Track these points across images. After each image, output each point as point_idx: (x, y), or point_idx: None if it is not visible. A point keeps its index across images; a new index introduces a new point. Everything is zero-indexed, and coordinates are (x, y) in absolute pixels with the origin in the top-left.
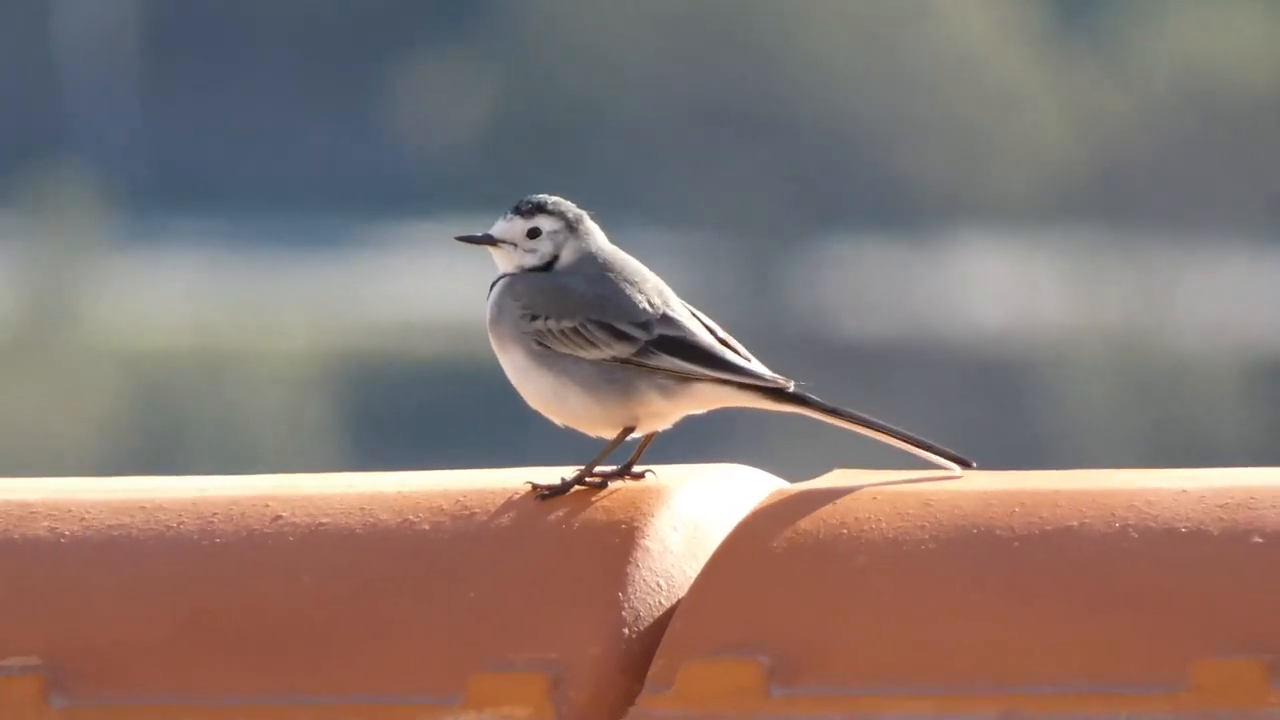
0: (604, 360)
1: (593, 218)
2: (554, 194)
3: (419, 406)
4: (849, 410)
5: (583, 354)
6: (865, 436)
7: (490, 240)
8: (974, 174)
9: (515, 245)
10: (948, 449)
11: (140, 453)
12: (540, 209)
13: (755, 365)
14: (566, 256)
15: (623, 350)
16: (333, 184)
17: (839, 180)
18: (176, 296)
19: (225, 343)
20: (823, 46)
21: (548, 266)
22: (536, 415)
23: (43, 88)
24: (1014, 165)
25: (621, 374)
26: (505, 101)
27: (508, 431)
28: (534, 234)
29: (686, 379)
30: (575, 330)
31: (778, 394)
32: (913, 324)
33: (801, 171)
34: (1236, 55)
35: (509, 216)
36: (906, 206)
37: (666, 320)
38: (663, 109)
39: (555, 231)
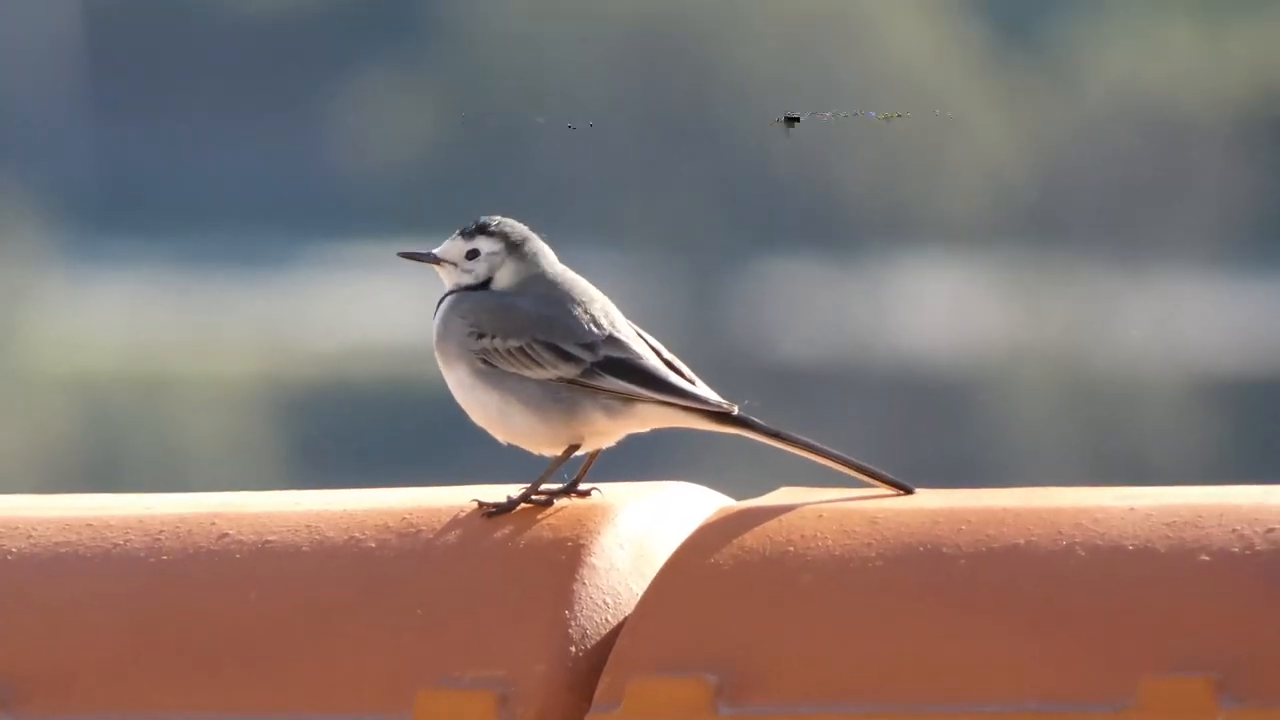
0: (549, 380)
1: (544, 239)
2: (503, 214)
3: (361, 428)
4: (791, 434)
5: (528, 373)
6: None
7: (433, 259)
8: (913, 193)
9: (455, 265)
10: (888, 475)
11: (81, 474)
12: (482, 230)
13: (700, 388)
14: (504, 278)
15: (568, 371)
16: (274, 204)
17: (778, 199)
18: (116, 317)
19: (166, 364)
20: (762, 63)
21: (483, 285)
22: (480, 436)
23: None
24: (954, 184)
25: (566, 393)
26: (447, 119)
27: (451, 453)
28: (472, 255)
29: (631, 400)
30: (521, 350)
31: (721, 416)
32: (852, 344)
33: (740, 190)
34: (1178, 76)
35: (454, 236)
36: (846, 225)
37: (612, 342)
38: (603, 127)
39: (493, 253)
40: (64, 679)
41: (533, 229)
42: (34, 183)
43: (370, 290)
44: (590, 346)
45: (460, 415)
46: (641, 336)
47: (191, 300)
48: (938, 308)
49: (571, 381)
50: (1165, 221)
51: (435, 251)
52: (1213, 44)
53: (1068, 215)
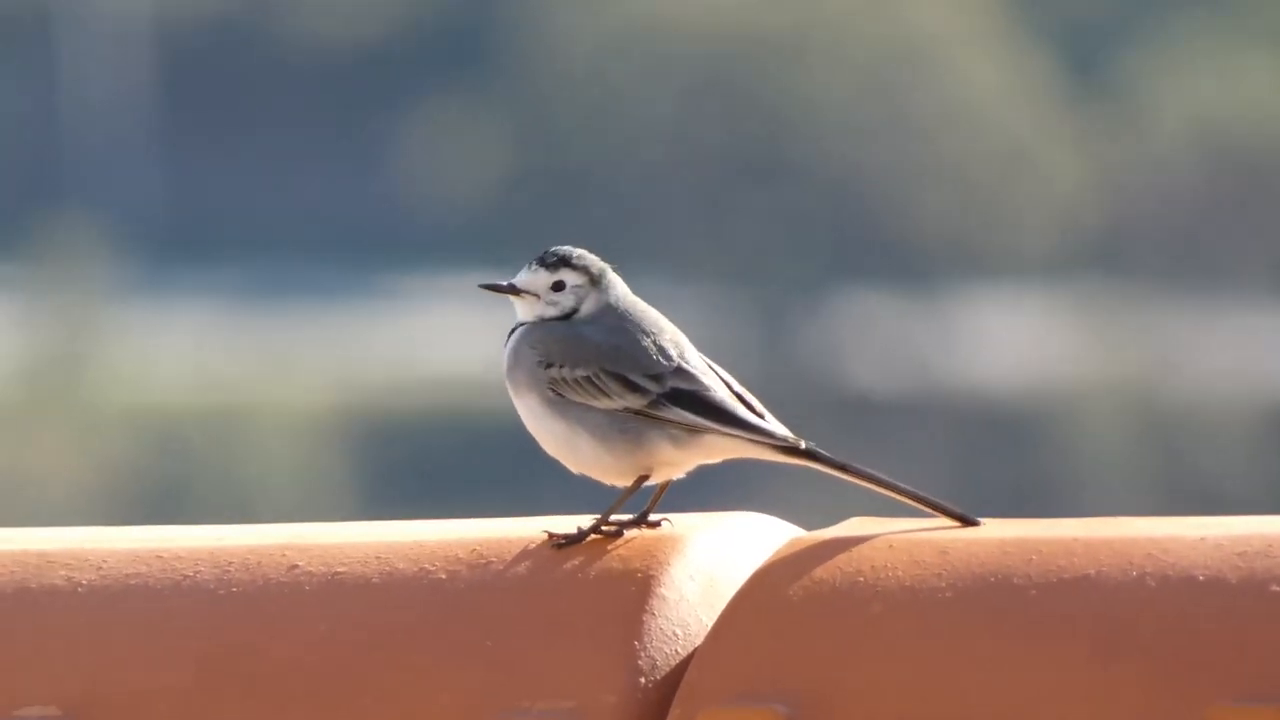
0: (616, 410)
1: (615, 270)
2: (577, 246)
3: (430, 458)
4: (857, 466)
5: (595, 403)
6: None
7: (514, 290)
8: (985, 227)
9: (538, 297)
10: (953, 507)
11: (150, 504)
12: (565, 263)
13: (768, 421)
14: (586, 309)
15: (635, 401)
16: (343, 236)
17: (850, 233)
18: (186, 347)
19: (235, 394)
20: (835, 99)
21: (566, 318)
22: (551, 466)
23: (52, 137)
24: (1025, 218)
25: (633, 424)
26: (519, 152)
27: (521, 484)
28: (558, 287)
29: (698, 431)
30: (589, 379)
31: (788, 449)
32: (923, 376)
33: (813, 224)
34: (1248, 109)
35: (534, 268)
36: (917, 259)
37: (680, 373)
38: (674, 161)
39: (578, 286)
40: (134, 711)
41: (603, 259)
42: (105, 215)
43: (439, 321)
44: (657, 378)
45: (529, 446)
46: (712, 368)
47: (260, 331)
48: (1008, 340)
49: (638, 412)
50: (1235, 255)
51: (515, 283)
52: None
53: (1138, 249)
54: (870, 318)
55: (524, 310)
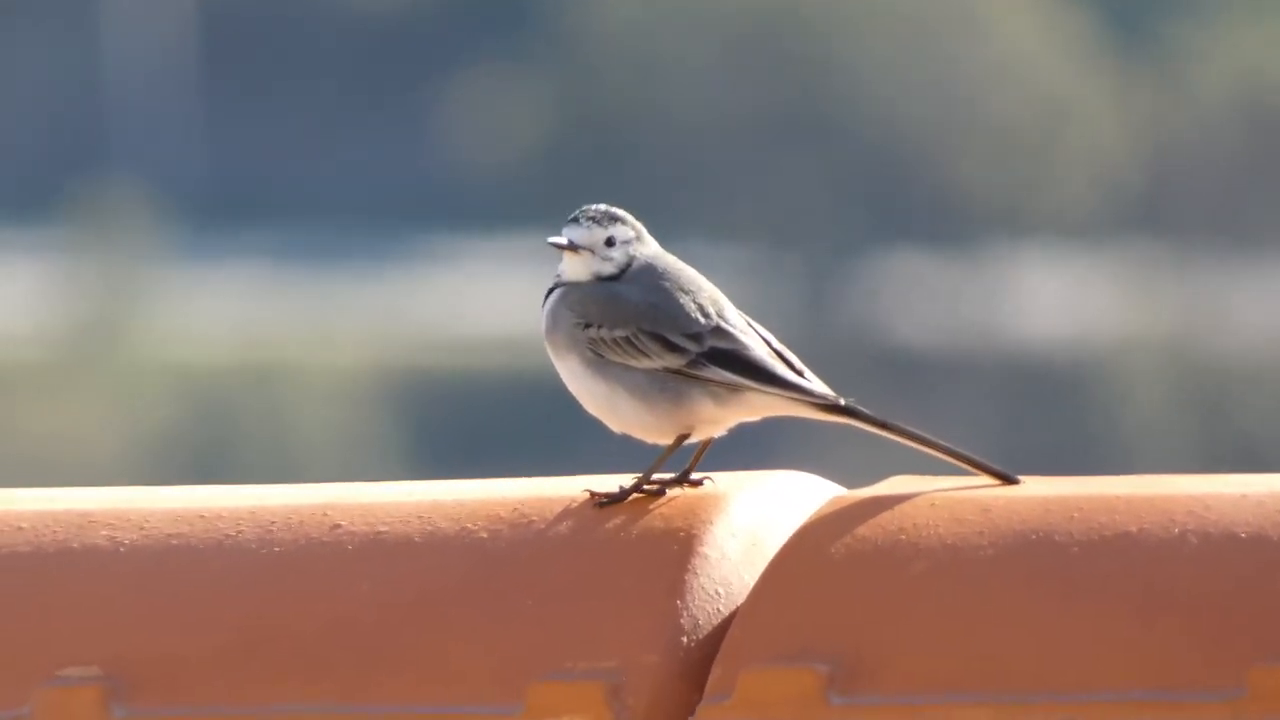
0: (655, 370)
1: (648, 228)
2: (615, 207)
3: (473, 419)
4: (898, 424)
5: (634, 363)
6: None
7: (573, 246)
8: (1028, 186)
9: (593, 252)
10: (994, 466)
11: (192, 466)
12: (614, 218)
13: (808, 379)
14: (635, 266)
15: (673, 361)
16: (386, 198)
17: (893, 193)
18: (229, 310)
19: (277, 356)
20: (878, 59)
21: (617, 275)
22: (592, 425)
23: (96, 102)
24: (1068, 177)
25: (673, 383)
26: (560, 114)
27: (563, 443)
28: (610, 242)
29: (737, 389)
30: (627, 340)
31: (829, 406)
32: (967, 335)
33: (856, 184)
34: None
35: (585, 224)
36: (961, 218)
37: (719, 332)
38: (716, 122)
39: (627, 241)
40: (176, 671)
41: (647, 219)
42: (147, 179)
43: (481, 281)
44: (696, 337)
45: (570, 405)
46: (751, 326)
47: (303, 293)
48: (1051, 298)
49: (677, 372)
50: (1276, 213)
51: (574, 239)
52: None
53: (1181, 207)
54: (913, 277)
55: (579, 267)
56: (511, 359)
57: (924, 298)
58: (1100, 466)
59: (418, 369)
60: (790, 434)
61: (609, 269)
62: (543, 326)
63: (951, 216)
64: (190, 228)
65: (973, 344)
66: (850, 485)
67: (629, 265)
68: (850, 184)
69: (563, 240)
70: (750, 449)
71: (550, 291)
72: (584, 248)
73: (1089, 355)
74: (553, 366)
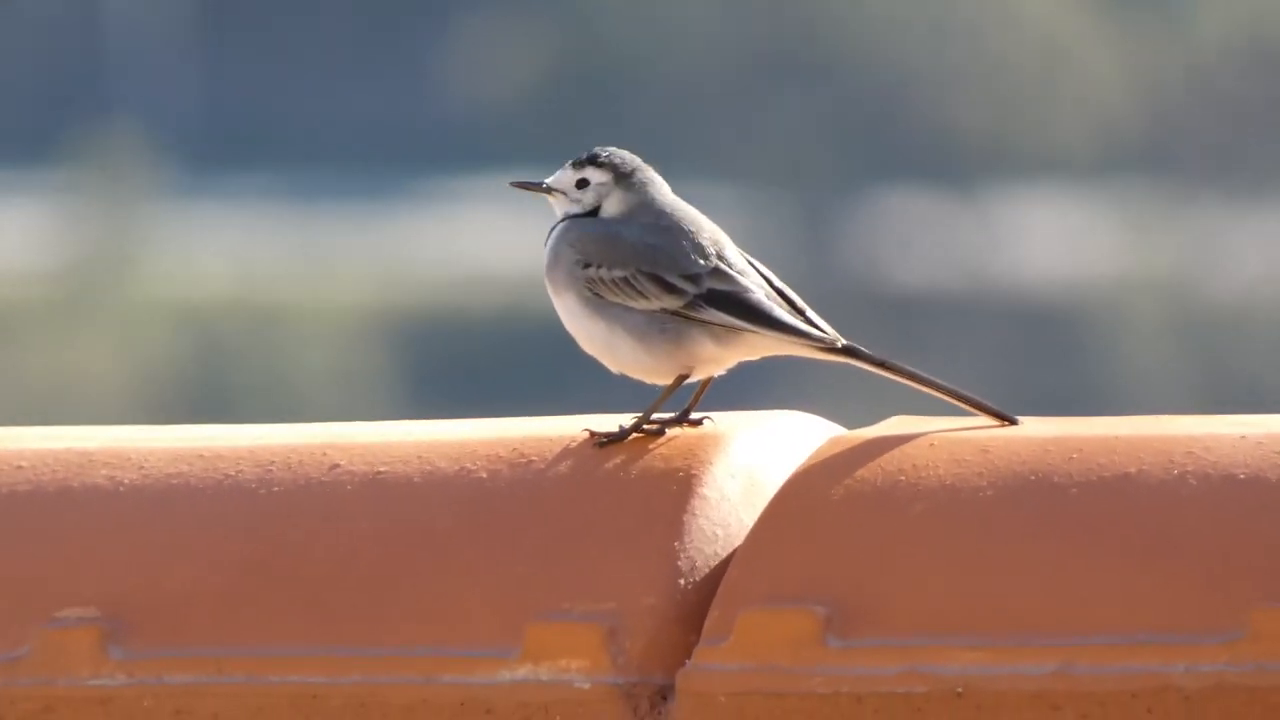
0: (653, 311)
1: (656, 169)
2: (615, 146)
3: (471, 358)
4: (897, 363)
5: (632, 304)
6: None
7: (544, 188)
8: (1025, 126)
9: (565, 194)
10: (992, 405)
11: (192, 404)
12: (592, 161)
13: (808, 319)
14: (611, 207)
15: (671, 303)
16: (385, 138)
17: (890, 132)
18: (229, 249)
19: (277, 295)
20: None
21: (591, 214)
22: (591, 365)
23: (95, 41)
24: (1065, 117)
25: (672, 323)
26: (557, 54)
27: (561, 382)
28: (581, 184)
29: (736, 330)
30: (626, 280)
31: (828, 346)
32: (963, 275)
33: (852, 123)
34: None
35: (566, 166)
36: (957, 158)
37: (717, 274)
38: (713, 61)
39: (601, 184)
40: (174, 612)
41: (645, 160)
42: (147, 119)
43: (480, 221)
44: (694, 278)
45: (571, 345)
46: (753, 265)
47: (302, 233)
48: (1049, 240)
49: (675, 313)
50: (1276, 156)
51: (547, 181)
52: None
53: (1178, 149)
54: (911, 218)
55: (556, 208)
56: (510, 298)
57: (921, 238)
58: (1099, 408)
59: (417, 308)
60: (791, 373)
61: (576, 209)
62: (544, 263)
63: (949, 157)
64: (189, 168)
65: (970, 285)
66: (850, 425)
67: (597, 207)
68: (847, 124)
69: (534, 181)
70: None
71: (553, 229)
72: (557, 190)
73: (1087, 296)
74: (552, 305)
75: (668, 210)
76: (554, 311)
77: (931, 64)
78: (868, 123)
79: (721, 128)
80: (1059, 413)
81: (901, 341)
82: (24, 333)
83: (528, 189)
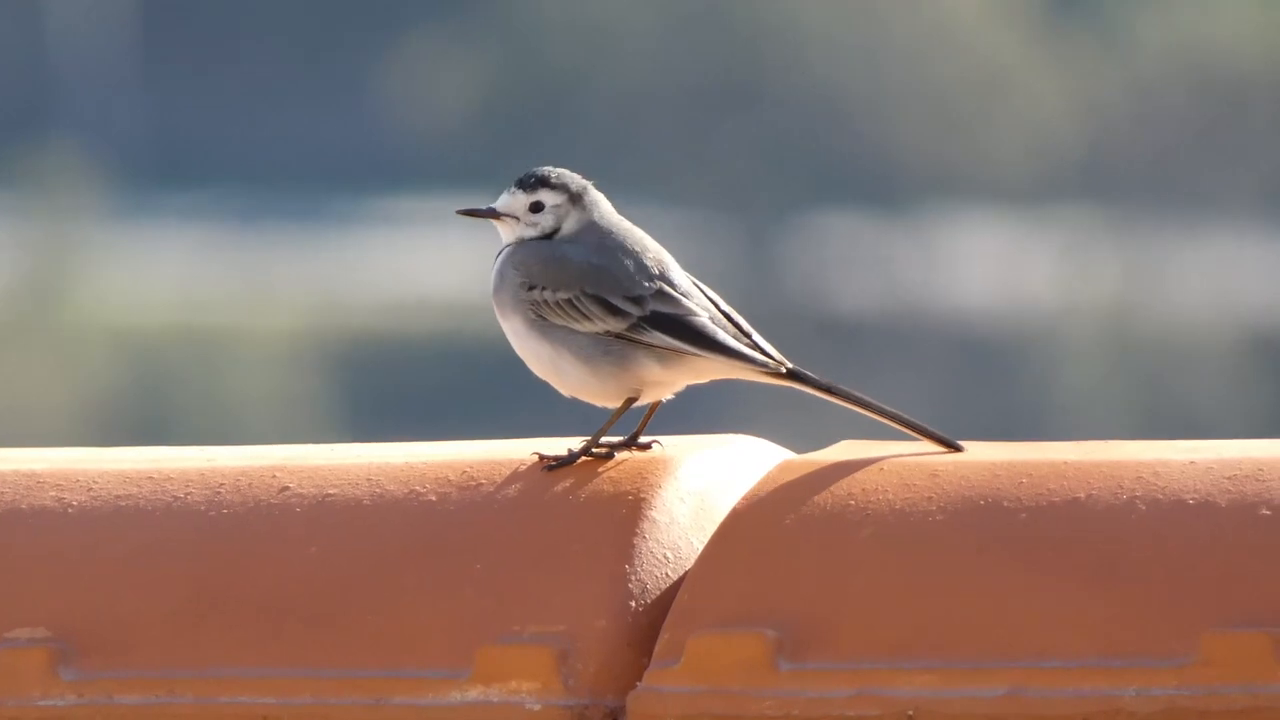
0: (597, 333)
1: (597, 187)
2: (556, 166)
3: (412, 382)
4: (842, 388)
5: (576, 326)
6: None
7: (493, 213)
8: (966, 151)
9: (518, 219)
10: (938, 432)
11: (133, 429)
12: (544, 183)
13: (752, 343)
14: (568, 228)
15: (615, 325)
16: (325, 161)
17: (830, 156)
18: (169, 272)
19: (217, 319)
20: (814, 21)
21: (548, 238)
22: (535, 389)
23: (36, 63)
24: (1006, 142)
25: (616, 346)
26: (497, 77)
27: (504, 407)
28: (536, 208)
29: (681, 354)
30: (570, 302)
31: (774, 370)
32: (904, 300)
33: (793, 147)
34: (1228, 35)
35: (512, 190)
36: (898, 183)
37: (662, 296)
38: (653, 84)
39: (557, 205)
40: (124, 634)
41: (585, 178)
42: (88, 140)
43: (422, 245)
44: (638, 300)
45: (512, 370)
46: (698, 287)
47: (242, 255)
48: (989, 264)
49: (619, 335)
50: (1216, 180)
51: (495, 206)
52: (1264, 4)
53: (1118, 173)
54: (852, 242)
55: (505, 233)
56: (450, 322)
57: (862, 263)
58: (1039, 434)
59: (357, 331)
60: (739, 398)
61: (532, 233)
62: (490, 285)
63: (890, 182)
64: (130, 190)
65: (910, 310)
66: (798, 450)
67: (556, 229)
68: (788, 148)
69: (482, 208)
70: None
71: (501, 251)
72: (508, 215)
73: (1027, 322)
74: (497, 328)
75: (613, 230)
76: (496, 335)
77: (872, 88)
78: (808, 147)
79: (663, 152)
80: (998, 439)
81: (843, 365)
82: None
83: (476, 215)
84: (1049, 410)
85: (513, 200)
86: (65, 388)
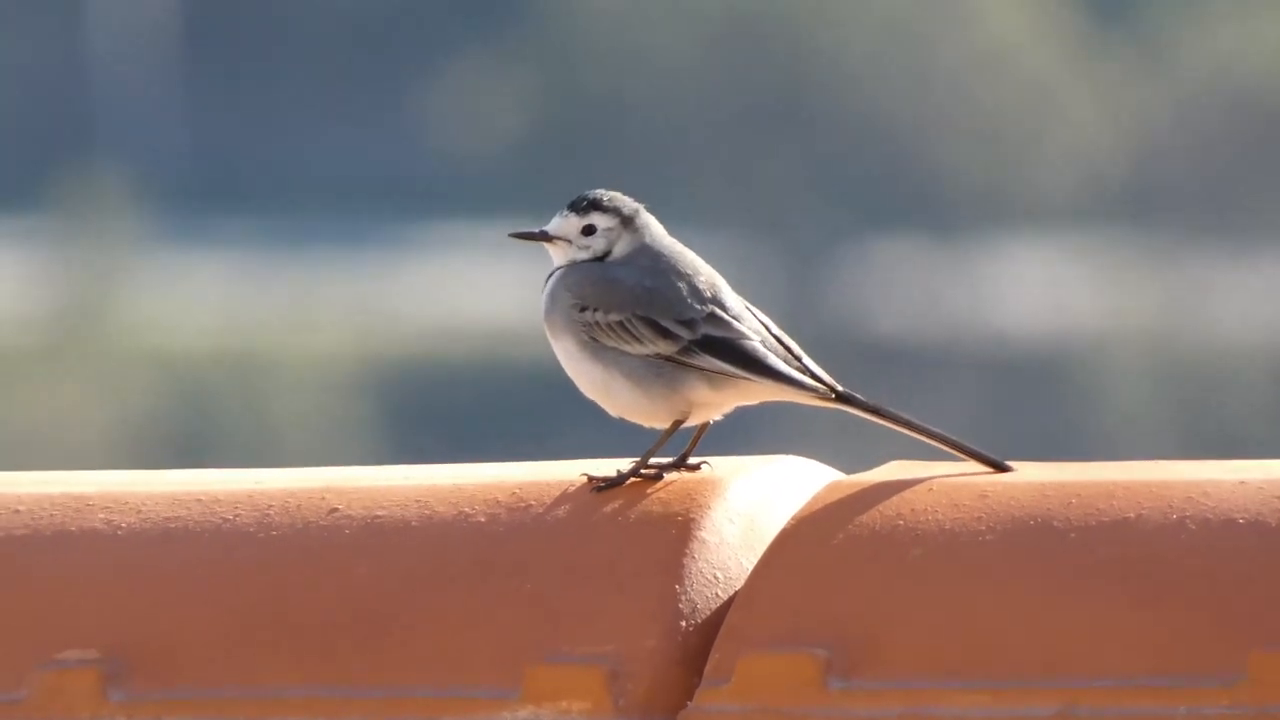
0: (649, 356)
1: (649, 210)
2: (606, 189)
3: (454, 408)
4: (890, 410)
5: (628, 348)
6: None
7: (545, 236)
8: (1011, 175)
9: (570, 242)
10: (984, 453)
11: (176, 453)
12: (596, 206)
13: (803, 366)
14: (619, 250)
15: (666, 348)
16: (370, 184)
17: (876, 181)
18: (212, 296)
19: (260, 343)
20: (859, 47)
21: (599, 260)
22: (576, 413)
23: (78, 87)
24: (1050, 166)
25: (668, 368)
26: (543, 102)
27: (545, 433)
28: (588, 231)
29: (731, 377)
30: (622, 325)
31: (824, 394)
32: (949, 322)
33: (838, 173)
34: (1273, 56)
35: (565, 213)
36: (944, 207)
37: (713, 319)
38: (698, 110)
39: (609, 229)
40: (174, 654)
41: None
42: (130, 165)
43: (466, 269)
44: (690, 324)
45: (555, 394)
46: (750, 310)
47: (286, 279)
48: (1034, 287)
49: (669, 359)
50: (1260, 203)
51: (547, 229)
52: None
53: (1163, 196)
54: (897, 266)
55: (557, 256)
56: (493, 346)
57: (907, 287)
58: (1082, 457)
59: (399, 356)
60: (788, 419)
61: (585, 256)
62: (542, 308)
63: (935, 206)
64: (173, 214)
65: (956, 333)
66: (847, 470)
67: (608, 252)
68: (833, 173)
69: (534, 230)
70: (748, 434)
71: (552, 273)
72: (560, 238)
73: (1071, 345)
74: (544, 351)
75: (665, 253)
76: (538, 358)
77: (915, 112)
78: (852, 171)
79: (707, 177)
80: (1042, 458)
81: (887, 388)
82: (6, 379)
83: (528, 239)
84: (1093, 433)
85: (565, 223)
86: (108, 412)
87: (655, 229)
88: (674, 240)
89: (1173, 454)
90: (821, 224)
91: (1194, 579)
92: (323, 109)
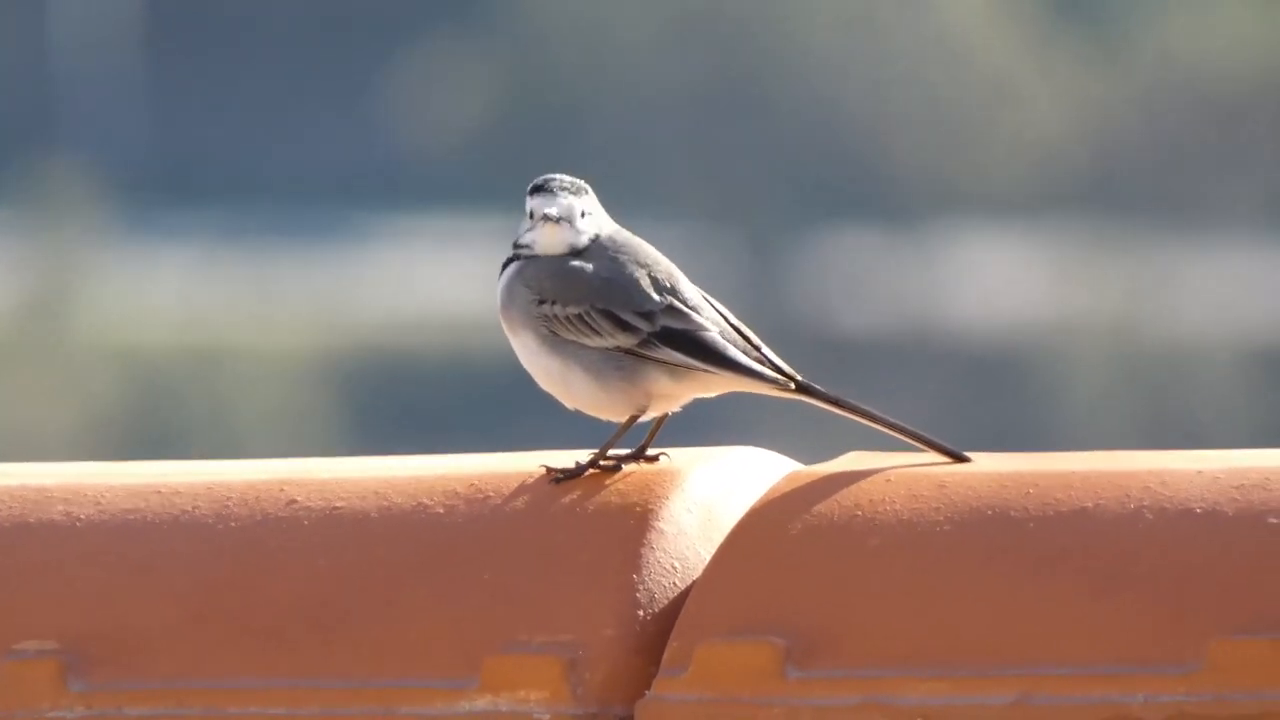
0: (608, 349)
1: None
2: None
3: (416, 399)
4: (850, 401)
5: (587, 341)
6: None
7: (556, 219)
8: (968, 165)
9: (572, 224)
10: (944, 443)
11: (138, 446)
12: (581, 189)
13: (762, 357)
14: (603, 235)
15: (625, 340)
16: (330, 177)
17: (834, 171)
18: (173, 289)
19: (222, 337)
20: (817, 36)
21: (583, 249)
22: (536, 406)
23: (38, 79)
24: (1008, 156)
25: (627, 360)
26: (502, 93)
27: (507, 424)
28: (583, 214)
29: (691, 369)
30: (580, 318)
31: (783, 384)
32: (908, 315)
33: (796, 162)
34: (1230, 46)
35: (561, 195)
36: (901, 197)
37: (672, 311)
38: (655, 97)
39: (593, 213)
40: (132, 646)
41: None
42: (90, 157)
43: (427, 260)
44: (648, 316)
45: (517, 387)
46: (708, 301)
47: (249, 272)
48: (992, 278)
49: (629, 351)
50: (1218, 192)
51: (556, 212)
52: (1267, 14)
53: (1121, 186)
54: (855, 256)
55: (556, 240)
56: (455, 338)
57: (865, 276)
58: (1042, 447)
59: (362, 349)
60: (747, 410)
61: (582, 240)
62: (498, 301)
63: (894, 196)
64: (134, 206)
65: (913, 324)
66: (806, 461)
67: (597, 236)
68: (792, 161)
69: (554, 212)
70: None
71: (505, 265)
72: (564, 219)
73: (1031, 335)
74: (501, 344)
75: (625, 245)
76: (500, 351)
77: (874, 101)
78: (811, 160)
79: (665, 165)
80: (1001, 450)
81: (846, 380)
82: None
83: (555, 222)
84: (1054, 425)
85: (568, 205)
86: (69, 406)
87: (610, 220)
88: (629, 232)
89: (1134, 445)
90: (779, 214)
91: (1151, 568)
92: (284, 102)
